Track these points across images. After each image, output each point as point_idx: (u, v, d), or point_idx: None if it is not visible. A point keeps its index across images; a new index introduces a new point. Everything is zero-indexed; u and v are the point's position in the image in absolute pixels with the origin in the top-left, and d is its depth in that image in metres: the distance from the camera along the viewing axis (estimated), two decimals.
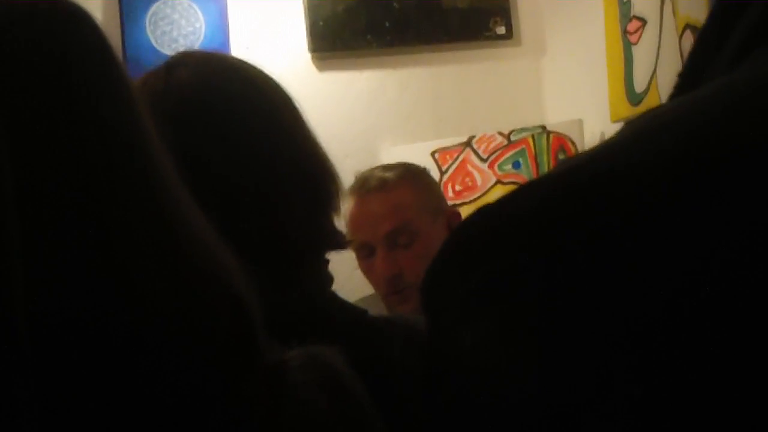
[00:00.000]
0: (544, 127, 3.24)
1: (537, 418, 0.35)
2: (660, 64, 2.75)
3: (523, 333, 0.37)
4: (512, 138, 3.22)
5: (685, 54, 2.62)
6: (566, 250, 0.37)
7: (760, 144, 0.36)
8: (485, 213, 0.42)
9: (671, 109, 0.42)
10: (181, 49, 2.96)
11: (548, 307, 0.36)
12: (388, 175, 2.15)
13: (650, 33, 2.80)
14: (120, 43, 3.03)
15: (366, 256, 2.12)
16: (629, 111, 2.87)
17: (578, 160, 0.42)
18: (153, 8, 3.12)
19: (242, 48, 3.13)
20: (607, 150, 0.41)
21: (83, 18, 0.80)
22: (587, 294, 0.36)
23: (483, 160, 3.20)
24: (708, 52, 0.50)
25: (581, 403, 0.35)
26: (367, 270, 2.15)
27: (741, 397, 0.33)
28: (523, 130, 3.24)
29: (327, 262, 1.21)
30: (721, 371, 0.33)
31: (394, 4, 3.34)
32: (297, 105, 1.20)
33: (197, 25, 3.16)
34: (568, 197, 0.39)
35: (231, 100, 1.15)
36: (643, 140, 0.40)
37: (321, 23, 3.26)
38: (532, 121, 3.32)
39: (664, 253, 0.35)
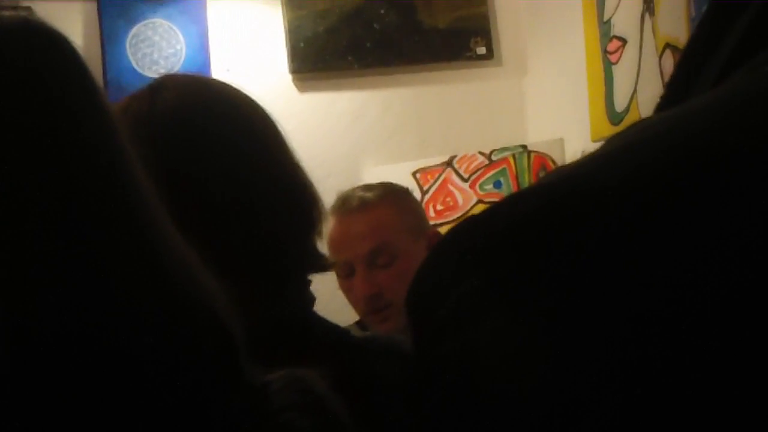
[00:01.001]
0: (525, 147, 3.25)
1: (544, 414, 0.36)
2: (640, 84, 2.77)
3: (528, 333, 0.37)
4: (493, 157, 3.23)
5: (666, 73, 2.64)
6: (563, 253, 0.37)
7: (746, 158, 0.36)
8: (477, 220, 0.42)
9: (658, 122, 0.42)
10: (162, 71, 2.98)
11: (549, 308, 0.37)
12: (369, 195, 2.15)
13: (630, 52, 2.82)
14: (101, 66, 3.03)
15: (346, 275, 2.12)
16: (610, 130, 2.88)
17: (565, 171, 0.43)
18: (134, 30, 3.13)
19: (223, 70, 3.14)
20: (594, 161, 0.42)
21: (59, 40, 0.79)
22: (586, 295, 0.36)
23: (464, 180, 3.21)
24: (695, 64, 0.50)
25: (587, 401, 0.35)
26: (347, 289, 2.15)
27: (741, 397, 0.33)
28: (504, 149, 3.25)
29: (309, 282, 1.21)
30: (717, 372, 0.34)
31: (375, 24, 3.35)
32: (280, 127, 1.21)
33: (178, 47, 3.16)
34: (559, 206, 0.39)
35: (215, 124, 1.15)
36: (630, 153, 0.40)
37: (302, 44, 3.27)
38: (514, 140, 3.33)
39: (659, 258, 0.35)
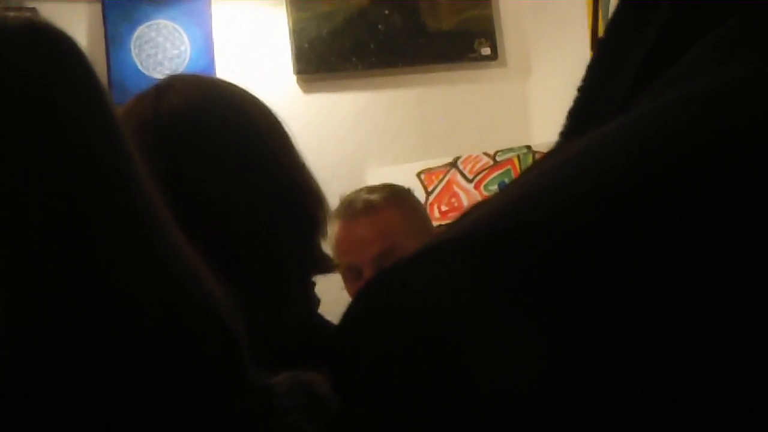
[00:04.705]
0: (529, 147, 3.24)
1: (544, 416, 0.35)
2: None
3: (530, 341, 0.37)
4: (498, 158, 3.23)
5: None
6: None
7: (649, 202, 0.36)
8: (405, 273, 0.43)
9: (560, 166, 0.43)
10: (167, 72, 2.98)
11: (548, 313, 0.37)
12: (374, 197, 2.15)
13: None
14: (105, 67, 3.03)
15: (354, 278, 2.12)
16: None
17: (487, 216, 0.43)
18: (138, 31, 3.13)
19: (227, 71, 3.14)
20: (516, 202, 0.42)
21: (66, 42, 0.79)
22: (581, 298, 0.36)
23: (469, 181, 3.21)
24: (604, 72, 0.51)
25: (584, 402, 0.35)
26: (354, 292, 2.15)
27: (735, 396, 0.33)
28: (508, 150, 3.25)
29: (313, 284, 1.21)
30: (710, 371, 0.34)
31: (379, 26, 3.35)
32: (286, 129, 1.21)
33: (182, 48, 3.16)
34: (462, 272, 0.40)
35: (219, 127, 1.15)
36: (552, 189, 0.41)
37: (306, 45, 3.27)
38: (518, 141, 3.33)
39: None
